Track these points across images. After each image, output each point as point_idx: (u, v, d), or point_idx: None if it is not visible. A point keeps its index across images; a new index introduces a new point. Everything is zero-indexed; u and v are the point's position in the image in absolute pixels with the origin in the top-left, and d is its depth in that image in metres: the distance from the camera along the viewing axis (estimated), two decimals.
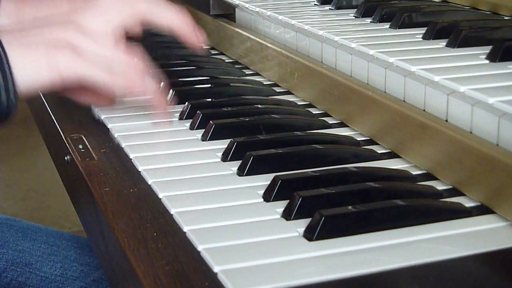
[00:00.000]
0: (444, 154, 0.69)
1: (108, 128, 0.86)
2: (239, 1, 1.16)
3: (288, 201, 0.64)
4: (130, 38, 0.97)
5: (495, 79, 0.71)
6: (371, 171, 0.72)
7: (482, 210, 0.64)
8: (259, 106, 0.89)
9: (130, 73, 0.80)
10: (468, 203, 0.65)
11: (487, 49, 0.79)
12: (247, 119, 0.83)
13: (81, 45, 0.78)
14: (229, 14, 1.22)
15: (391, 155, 0.77)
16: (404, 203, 0.63)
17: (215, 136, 0.81)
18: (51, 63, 0.76)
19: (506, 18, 0.96)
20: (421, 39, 0.88)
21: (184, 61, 1.11)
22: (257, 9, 1.10)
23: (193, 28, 0.87)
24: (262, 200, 0.67)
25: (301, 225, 0.61)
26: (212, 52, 1.20)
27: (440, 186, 0.69)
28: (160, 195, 0.68)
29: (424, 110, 0.74)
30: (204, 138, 0.81)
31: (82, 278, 1.06)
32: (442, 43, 0.85)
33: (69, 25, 0.80)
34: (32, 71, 0.75)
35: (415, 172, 0.72)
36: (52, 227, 1.17)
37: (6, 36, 0.76)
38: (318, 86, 0.91)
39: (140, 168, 0.74)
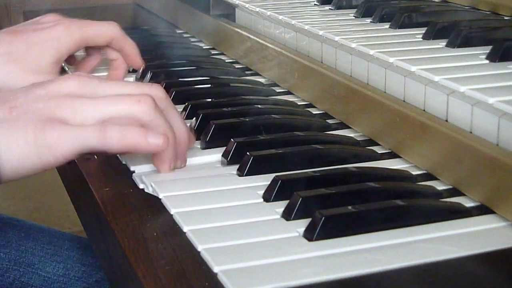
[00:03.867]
0: (444, 154, 0.69)
1: None
2: (239, 1, 1.16)
3: (288, 201, 0.64)
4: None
5: (495, 79, 0.71)
6: (371, 171, 0.72)
7: (482, 210, 0.64)
8: (259, 106, 0.89)
9: (130, 132, 0.68)
10: (468, 203, 0.65)
11: (487, 49, 0.79)
12: (247, 119, 0.83)
13: (76, 115, 0.68)
14: (229, 14, 1.22)
15: (391, 155, 0.77)
16: (404, 203, 0.63)
17: (215, 136, 0.81)
18: (38, 142, 0.66)
19: (506, 18, 0.96)
20: (421, 39, 0.88)
21: (184, 61, 1.11)
22: (257, 9, 1.10)
23: (170, 158, 0.73)
24: (262, 200, 0.67)
25: (301, 225, 0.61)
26: (212, 52, 1.20)
27: (440, 186, 0.69)
28: (160, 195, 0.68)
29: (424, 110, 0.74)
30: (204, 138, 0.81)
31: (85, 278, 1.06)
32: (442, 43, 0.85)
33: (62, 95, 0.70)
34: (19, 153, 0.66)
35: (415, 172, 0.72)
36: (52, 227, 1.17)
37: None
38: (318, 86, 0.91)
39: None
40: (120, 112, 0.69)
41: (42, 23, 0.94)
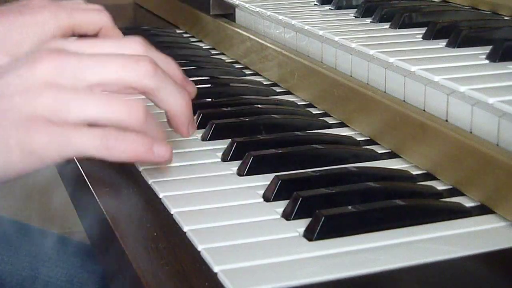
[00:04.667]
0: (444, 154, 0.69)
1: None
2: (239, 1, 1.16)
3: (288, 201, 0.64)
4: None
5: (495, 79, 0.71)
6: (371, 171, 0.72)
7: (482, 210, 0.64)
8: (259, 106, 0.89)
9: (134, 140, 0.62)
10: (468, 203, 0.65)
11: (487, 49, 0.79)
12: (247, 119, 0.83)
13: (61, 113, 0.59)
14: (229, 14, 1.22)
15: (391, 155, 0.77)
16: (404, 203, 0.63)
17: (215, 136, 0.81)
18: (24, 148, 0.58)
19: (506, 18, 0.96)
20: (421, 39, 0.88)
21: (184, 61, 1.11)
22: (257, 9, 1.10)
23: (189, 120, 0.70)
24: (262, 200, 0.67)
25: (301, 225, 0.61)
26: (212, 52, 1.20)
27: (440, 186, 0.69)
28: (160, 195, 0.68)
29: (424, 110, 0.74)
30: (204, 138, 0.81)
31: (88, 285, 1.06)
32: (442, 43, 0.85)
33: (46, 83, 0.60)
34: (0, 160, 0.58)
35: (415, 172, 0.72)
36: (52, 227, 1.17)
37: None
38: (318, 86, 0.91)
39: (140, 168, 0.74)
40: (115, 79, 0.62)
41: (28, 6, 0.85)
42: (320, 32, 0.93)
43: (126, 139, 0.62)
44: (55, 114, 0.59)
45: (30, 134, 0.58)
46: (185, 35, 1.32)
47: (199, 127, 0.84)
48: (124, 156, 0.62)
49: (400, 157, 0.76)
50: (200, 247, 0.59)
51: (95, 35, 0.87)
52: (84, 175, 0.75)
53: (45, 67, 0.61)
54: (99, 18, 0.87)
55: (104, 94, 0.62)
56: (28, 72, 0.61)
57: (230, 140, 0.77)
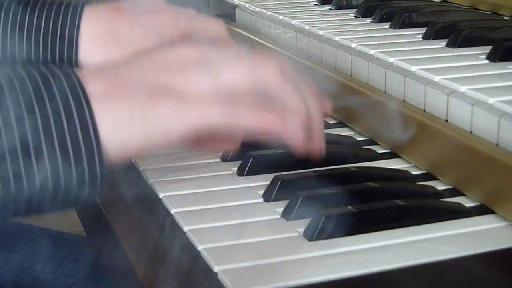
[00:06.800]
0: (444, 154, 0.69)
1: None
2: (239, 1, 1.16)
3: (288, 201, 0.64)
4: None
5: (495, 79, 0.71)
6: (371, 171, 0.72)
7: (482, 210, 0.64)
8: None
9: (263, 105, 0.58)
10: (468, 203, 0.65)
11: (487, 49, 0.79)
12: None
13: (186, 85, 0.56)
14: (229, 14, 1.22)
15: (391, 155, 0.77)
16: (404, 203, 0.63)
17: None
18: (147, 118, 0.55)
19: (506, 18, 0.96)
20: (421, 39, 0.88)
21: None
22: (257, 9, 1.10)
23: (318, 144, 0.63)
24: (262, 200, 0.67)
25: (301, 225, 0.61)
26: None
27: (440, 186, 0.69)
28: (160, 195, 0.68)
29: (424, 110, 0.74)
30: None
31: (72, 275, 1.06)
32: (442, 43, 0.85)
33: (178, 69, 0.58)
34: (124, 133, 0.54)
35: (415, 172, 0.72)
36: (52, 227, 1.17)
37: (95, 84, 0.55)
38: (318, 86, 0.91)
39: (140, 168, 0.74)
40: (241, 80, 0.58)
41: (145, 4, 0.84)
42: (320, 32, 0.93)
43: (255, 107, 0.57)
44: (185, 86, 0.56)
45: (156, 105, 0.55)
46: None
47: None
48: (253, 122, 0.57)
49: (400, 157, 0.76)
50: (200, 247, 0.59)
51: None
52: None
53: (178, 50, 0.59)
54: (218, 27, 0.84)
55: (234, 60, 0.59)
56: (161, 55, 0.59)
57: None
